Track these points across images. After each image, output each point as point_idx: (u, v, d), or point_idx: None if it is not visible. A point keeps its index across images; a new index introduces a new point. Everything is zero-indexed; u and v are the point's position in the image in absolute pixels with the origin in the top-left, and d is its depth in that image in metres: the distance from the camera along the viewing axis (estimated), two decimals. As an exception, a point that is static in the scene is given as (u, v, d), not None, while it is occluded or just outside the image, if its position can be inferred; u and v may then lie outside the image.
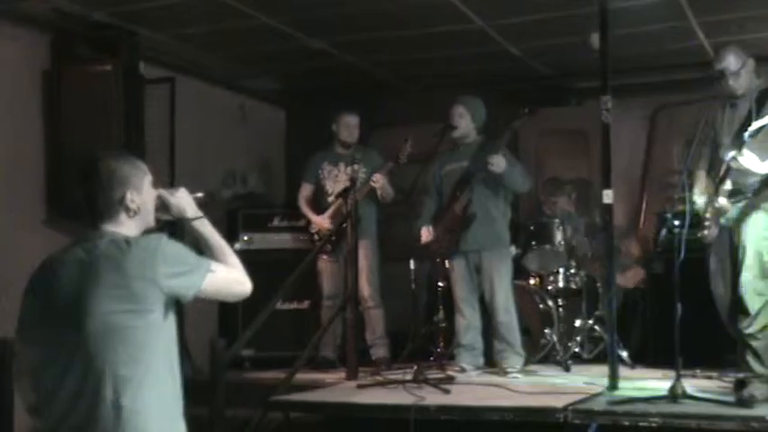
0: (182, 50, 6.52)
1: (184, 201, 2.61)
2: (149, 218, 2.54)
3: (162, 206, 2.59)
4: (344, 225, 5.70)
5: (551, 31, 6.15)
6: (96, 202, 2.44)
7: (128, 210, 2.45)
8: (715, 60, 4.66)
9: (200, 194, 2.70)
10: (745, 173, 4.41)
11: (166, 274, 2.34)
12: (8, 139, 5.55)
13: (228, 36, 6.24)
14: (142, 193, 2.49)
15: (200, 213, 2.62)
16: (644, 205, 7.34)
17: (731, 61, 4.57)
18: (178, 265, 2.38)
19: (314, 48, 6.52)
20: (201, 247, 2.57)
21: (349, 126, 6.25)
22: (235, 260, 2.55)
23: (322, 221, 6.19)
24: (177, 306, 2.44)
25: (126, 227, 2.46)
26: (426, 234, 5.74)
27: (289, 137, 8.41)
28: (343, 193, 5.89)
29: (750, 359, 4.48)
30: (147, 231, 2.53)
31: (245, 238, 6.78)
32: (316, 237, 6.26)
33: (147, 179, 2.53)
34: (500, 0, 5.49)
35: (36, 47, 5.70)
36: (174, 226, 2.67)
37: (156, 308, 2.35)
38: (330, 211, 6.17)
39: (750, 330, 4.45)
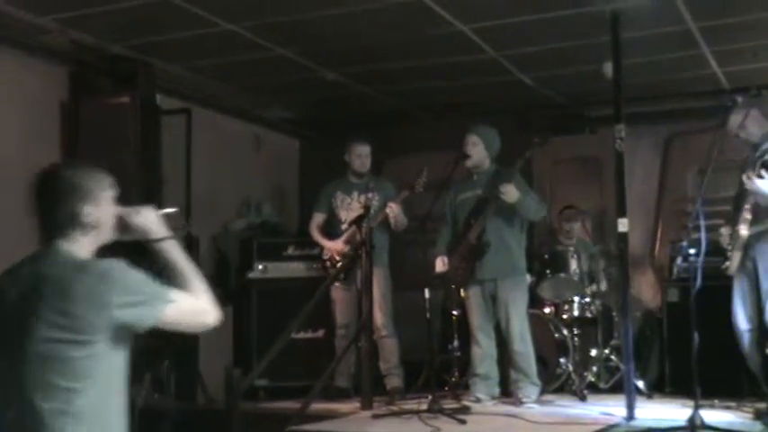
0: (197, 82, 6.59)
1: (149, 220, 2.43)
2: (106, 235, 2.38)
3: (124, 226, 2.41)
4: (358, 252, 5.72)
5: (564, 60, 6.18)
6: (51, 215, 2.31)
7: (83, 225, 2.31)
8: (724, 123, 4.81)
9: (171, 210, 2.53)
10: (763, 197, 4.43)
11: (118, 303, 2.18)
12: (26, 169, 5.56)
13: (243, 67, 6.31)
14: (100, 208, 2.34)
15: (168, 233, 2.42)
16: (658, 233, 7.33)
17: (733, 119, 4.72)
18: (131, 294, 2.21)
19: (327, 78, 6.58)
20: (168, 271, 2.41)
21: (360, 156, 6.29)
22: (202, 287, 2.38)
23: (336, 245, 6.20)
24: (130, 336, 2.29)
25: (80, 244, 2.31)
26: (441, 264, 5.75)
27: (302, 166, 8.46)
28: (357, 221, 5.91)
29: None
30: (104, 251, 2.38)
31: (260, 266, 6.79)
32: (328, 264, 6.27)
33: (108, 194, 2.39)
34: (513, 30, 5.53)
35: (55, 78, 5.78)
36: (141, 247, 2.46)
37: (101, 338, 2.19)
38: (344, 237, 6.19)
39: None
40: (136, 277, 2.25)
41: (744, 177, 4.49)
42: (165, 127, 6.05)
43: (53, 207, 2.32)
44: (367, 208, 5.95)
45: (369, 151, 6.32)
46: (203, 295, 2.37)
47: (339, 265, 6.09)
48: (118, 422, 2.30)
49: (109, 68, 5.81)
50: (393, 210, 5.98)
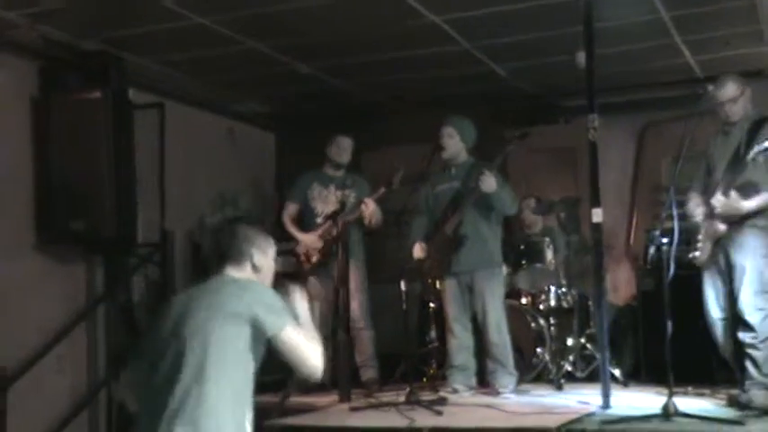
0: (170, 76, 6.54)
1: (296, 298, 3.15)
2: (267, 280, 3.11)
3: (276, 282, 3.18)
4: (333, 247, 5.71)
5: (537, 50, 6.20)
6: (229, 251, 3.06)
7: (254, 266, 3.07)
8: (715, 87, 4.74)
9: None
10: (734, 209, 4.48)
11: (264, 304, 2.89)
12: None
13: (216, 61, 6.27)
14: (266, 257, 3.12)
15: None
16: (633, 222, 7.37)
17: (730, 88, 4.67)
18: (271, 302, 2.93)
19: (302, 72, 6.55)
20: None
21: (339, 146, 6.26)
22: (317, 340, 2.99)
23: (309, 238, 6.16)
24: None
25: (246, 275, 3.05)
26: (419, 249, 5.73)
27: (278, 160, 8.43)
28: (333, 216, 5.88)
29: (749, 366, 4.57)
30: None
31: (236, 261, 6.72)
32: (303, 258, 6.22)
33: (273, 249, 3.16)
34: (486, 21, 5.53)
35: (25, 74, 5.71)
36: None
37: (251, 328, 2.85)
38: (320, 231, 6.15)
39: (752, 342, 4.55)
40: (276, 296, 2.99)
41: (713, 201, 4.54)
42: (137, 122, 6.00)
43: (233, 246, 3.08)
44: (342, 203, 5.93)
45: (350, 144, 6.30)
46: (316, 346, 2.96)
47: (314, 259, 6.07)
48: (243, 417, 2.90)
49: (80, 63, 5.74)
50: (368, 207, 5.94)
